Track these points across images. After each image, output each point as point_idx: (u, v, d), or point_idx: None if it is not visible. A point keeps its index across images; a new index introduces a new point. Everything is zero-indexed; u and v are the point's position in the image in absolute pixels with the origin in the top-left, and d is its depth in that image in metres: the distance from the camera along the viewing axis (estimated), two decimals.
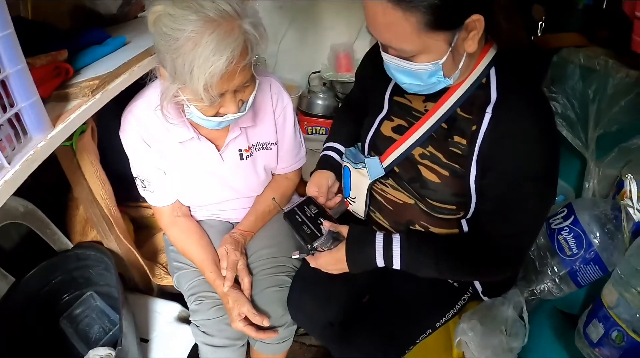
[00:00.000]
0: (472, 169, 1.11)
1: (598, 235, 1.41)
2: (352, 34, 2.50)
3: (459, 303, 1.37)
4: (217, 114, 1.17)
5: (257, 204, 1.57)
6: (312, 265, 1.28)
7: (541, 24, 1.94)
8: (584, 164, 1.63)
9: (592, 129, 1.59)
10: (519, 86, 1.09)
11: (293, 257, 1.32)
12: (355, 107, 1.54)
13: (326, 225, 1.26)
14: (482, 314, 1.40)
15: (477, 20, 0.96)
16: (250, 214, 1.56)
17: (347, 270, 1.25)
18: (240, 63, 1.07)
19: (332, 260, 1.25)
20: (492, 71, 1.10)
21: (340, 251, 1.23)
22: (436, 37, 0.96)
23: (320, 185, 1.39)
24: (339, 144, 1.50)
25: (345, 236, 1.24)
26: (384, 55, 1.07)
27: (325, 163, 1.47)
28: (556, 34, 1.87)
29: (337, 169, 1.45)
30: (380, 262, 1.22)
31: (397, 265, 1.20)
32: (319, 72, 2.58)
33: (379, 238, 1.22)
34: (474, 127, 1.10)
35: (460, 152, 1.14)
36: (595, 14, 1.85)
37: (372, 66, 1.35)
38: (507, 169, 1.06)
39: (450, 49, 0.98)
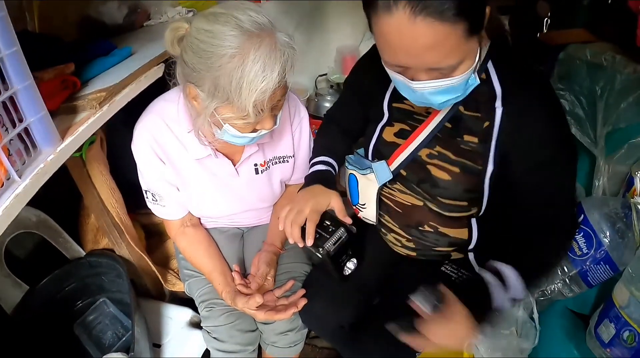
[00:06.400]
0: (488, 166, 1.11)
1: (608, 233, 1.40)
2: (357, 36, 2.50)
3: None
4: (253, 131, 1.14)
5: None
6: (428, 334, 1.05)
7: (547, 21, 1.92)
8: (593, 161, 1.61)
9: (600, 126, 1.58)
10: (520, 74, 1.09)
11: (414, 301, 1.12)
12: (341, 123, 1.52)
13: None
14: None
15: (488, 14, 0.94)
16: (274, 226, 1.53)
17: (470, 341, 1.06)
18: (286, 77, 1.06)
19: (448, 332, 1.04)
20: (490, 65, 1.09)
21: (459, 323, 1.03)
22: (472, 41, 0.93)
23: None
24: (332, 160, 1.44)
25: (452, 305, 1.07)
26: (415, 84, 0.98)
27: (327, 181, 1.37)
28: (562, 31, 1.86)
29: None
30: (508, 305, 1.09)
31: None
32: (325, 75, 2.58)
33: (496, 288, 1.07)
34: (486, 124, 1.10)
35: (471, 149, 1.14)
36: (601, 10, 1.83)
37: (364, 76, 1.35)
38: (534, 153, 1.07)
39: (479, 48, 0.97)
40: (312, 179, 1.35)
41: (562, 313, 1.56)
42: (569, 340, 1.47)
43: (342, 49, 2.47)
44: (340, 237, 1.21)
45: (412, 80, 0.98)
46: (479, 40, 0.96)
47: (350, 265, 1.26)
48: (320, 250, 1.19)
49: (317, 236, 1.21)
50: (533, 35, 1.91)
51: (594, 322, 1.41)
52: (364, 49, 2.42)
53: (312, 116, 2.43)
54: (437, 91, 0.98)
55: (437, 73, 0.95)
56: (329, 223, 1.23)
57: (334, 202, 1.24)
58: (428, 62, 0.92)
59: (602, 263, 1.41)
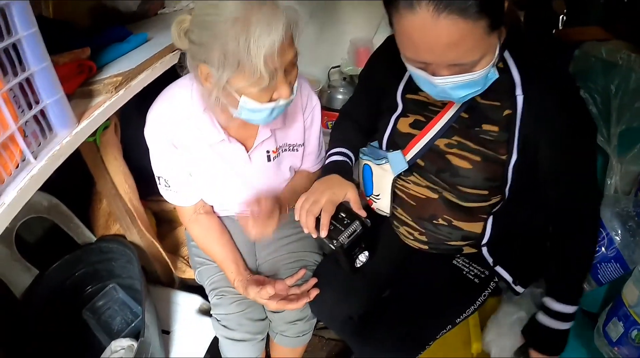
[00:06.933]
0: (513, 154, 1.12)
1: (619, 232, 1.40)
2: (371, 28, 2.49)
3: (479, 299, 1.36)
4: (270, 100, 1.14)
5: (294, 180, 1.54)
6: None
7: (562, 18, 1.91)
8: (606, 160, 1.61)
9: (614, 125, 1.57)
10: (537, 62, 1.11)
11: None
12: (355, 118, 1.52)
13: None
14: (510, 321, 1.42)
15: (506, 7, 0.95)
16: (289, 188, 1.52)
17: None
18: (292, 36, 1.08)
19: None
20: (507, 54, 1.11)
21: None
22: (493, 36, 0.94)
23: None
24: (349, 151, 1.45)
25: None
26: (436, 79, 0.99)
27: (344, 171, 1.38)
28: (578, 28, 1.85)
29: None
30: (566, 326, 1.28)
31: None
32: (338, 66, 2.57)
33: (546, 320, 1.29)
34: (506, 112, 1.12)
35: (492, 138, 1.15)
36: (617, 8, 1.82)
37: (379, 69, 1.36)
38: (556, 138, 1.09)
39: (498, 43, 0.98)
40: (329, 169, 1.36)
41: None
42: (576, 338, 1.47)
43: (355, 41, 2.46)
44: (355, 230, 1.20)
45: (433, 75, 0.99)
46: (499, 35, 0.97)
47: (362, 257, 1.26)
48: (335, 242, 1.19)
49: (332, 227, 1.20)
50: (548, 31, 1.90)
51: (602, 320, 1.41)
52: (378, 41, 2.42)
53: (325, 108, 2.44)
54: (458, 85, 0.99)
55: (458, 68, 0.96)
56: (344, 215, 1.22)
57: (350, 194, 1.24)
58: (450, 58, 0.93)
59: (612, 261, 1.41)
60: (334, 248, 1.20)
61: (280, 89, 1.12)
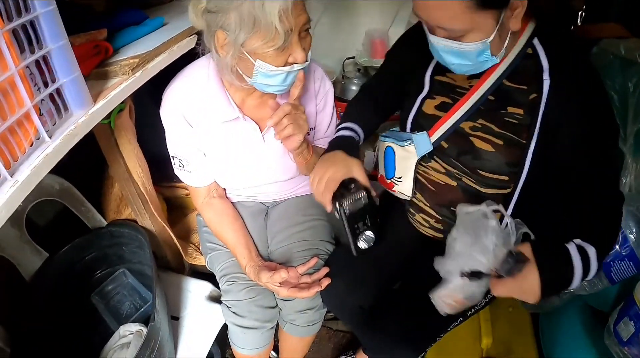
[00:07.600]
0: (534, 138, 1.13)
1: (634, 231, 1.39)
2: (387, 20, 2.50)
3: (491, 293, 1.35)
4: (285, 64, 1.15)
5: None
6: (496, 293, 1.09)
7: (581, 14, 1.90)
8: (621, 159, 1.60)
9: (631, 123, 1.56)
10: (567, 49, 1.13)
11: None
12: (375, 95, 1.52)
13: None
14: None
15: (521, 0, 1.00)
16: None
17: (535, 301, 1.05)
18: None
19: (517, 289, 1.05)
20: (536, 41, 1.13)
21: (529, 279, 1.02)
22: (485, 15, 0.99)
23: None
24: (359, 127, 1.44)
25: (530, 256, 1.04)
26: (432, 37, 1.09)
27: (350, 146, 1.35)
28: (596, 25, 1.84)
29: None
30: (577, 282, 1.03)
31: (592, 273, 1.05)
32: (353, 58, 2.58)
33: (574, 251, 1.03)
34: (532, 96, 1.13)
35: (516, 121, 1.16)
36: (636, 4, 1.80)
37: (409, 48, 1.37)
38: (579, 124, 1.09)
39: (497, 27, 1.01)
40: (334, 144, 1.36)
41: (582, 308, 1.55)
42: (587, 336, 1.46)
43: (371, 33, 2.47)
44: (360, 198, 1.21)
45: (431, 34, 1.09)
46: (496, 18, 1.01)
47: (366, 237, 1.26)
48: (337, 204, 1.20)
49: (339, 194, 1.21)
50: (567, 28, 1.88)
51: (613, 319, 1.40)
52: (393, 33, 2.44)
53: (339, 99, 2.45)
54: (447, 50, 1.08)
55: (446, 32, 1.05)
56: (352, 186, 1.23)
57: (356, 172, 1.24)
58: (435, 19, 1.03)
59: (626, 259, 1.40)
60: (337, 212, 1.22)
61: (295, 53, 1.14)
